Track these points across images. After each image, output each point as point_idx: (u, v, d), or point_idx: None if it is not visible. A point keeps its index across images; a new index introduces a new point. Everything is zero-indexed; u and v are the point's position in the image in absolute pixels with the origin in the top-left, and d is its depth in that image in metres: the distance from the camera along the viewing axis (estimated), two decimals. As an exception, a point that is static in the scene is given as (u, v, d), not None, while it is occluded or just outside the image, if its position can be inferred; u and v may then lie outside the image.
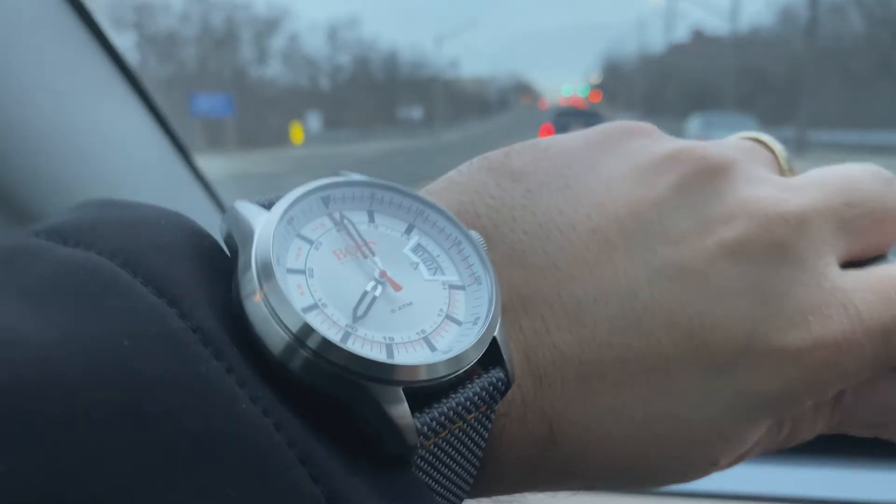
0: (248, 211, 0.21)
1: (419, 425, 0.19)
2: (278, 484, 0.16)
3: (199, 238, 0.20)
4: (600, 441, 0.23)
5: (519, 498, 0.26)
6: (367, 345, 0.19)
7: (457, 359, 0.20)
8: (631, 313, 0.23)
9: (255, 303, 0.18)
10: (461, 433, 0.21)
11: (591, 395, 0.23)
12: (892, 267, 0.26)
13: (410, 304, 0.21)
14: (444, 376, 0.19)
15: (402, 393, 0.19)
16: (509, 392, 0.22)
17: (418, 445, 0.19)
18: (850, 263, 0.26)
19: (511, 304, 0.23)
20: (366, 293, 0.20)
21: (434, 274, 0.22)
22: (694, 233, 0.24)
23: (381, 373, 0.18)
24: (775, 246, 0.24)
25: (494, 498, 0.25)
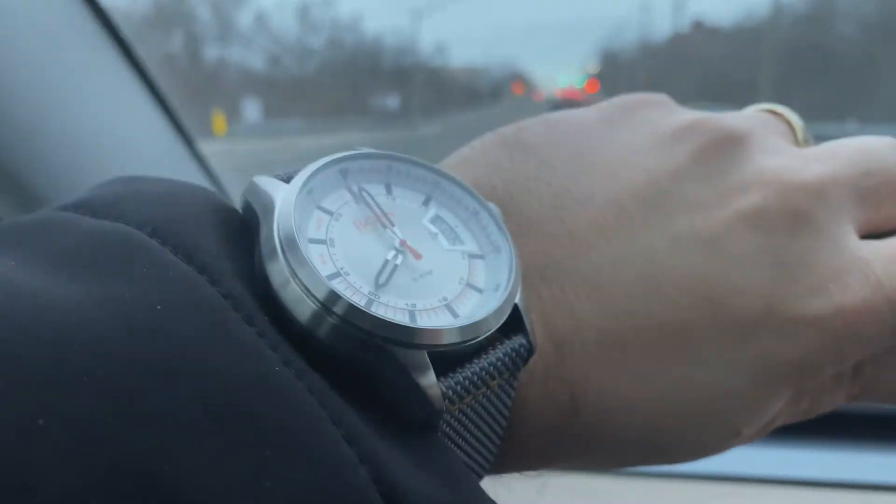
0: (268, 184, 0.21)
1: (444, 389, 0.19)
2: (314, 445, 0.16)
3: (224, 211, 0.20)
4: (621, 409, 0.23)
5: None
6: (390, 310, 0.19)
7: (479, 324, 0.20)
8: (650, 280, 0.23)
9: (281, 272, 0.18)
10: (485, 400, 0.21)
11: (612, 362, 0.23)
12: None
13: (431, 272, 0.21)
14: (467, 341, 0.20)
15: (427, 358, 0.19)
16: (531, 360, 0.22)
17: (444, 410, 0.19)
18: (869, 236, 0.26)
19: (529, 274, 0.23)
20: (387, 262, 0.20)
21: (453, 244, 0.22)
22: (712, 201, 0.24)
23: (405, 336, 0.18)
24: (793, 214, 0.24)
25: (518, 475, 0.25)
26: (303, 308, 0.18)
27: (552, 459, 0.25)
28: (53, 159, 0.51)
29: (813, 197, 0.24)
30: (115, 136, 0.60)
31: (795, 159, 0.25)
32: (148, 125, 0.65)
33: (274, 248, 0.19)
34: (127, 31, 0.60)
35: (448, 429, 0.20)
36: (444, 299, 0.21)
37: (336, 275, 0.19)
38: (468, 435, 0.21)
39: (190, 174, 0.69)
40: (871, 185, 0.26)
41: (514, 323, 0.21)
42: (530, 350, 0.21)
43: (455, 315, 0.20)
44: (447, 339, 0.19)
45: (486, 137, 0.27)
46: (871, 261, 0.24)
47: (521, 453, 0.24)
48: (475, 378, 0.20)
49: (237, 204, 0.21)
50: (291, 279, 0.18)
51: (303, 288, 0.18)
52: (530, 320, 0.22)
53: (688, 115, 0.26)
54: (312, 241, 0.20)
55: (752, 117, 0.28)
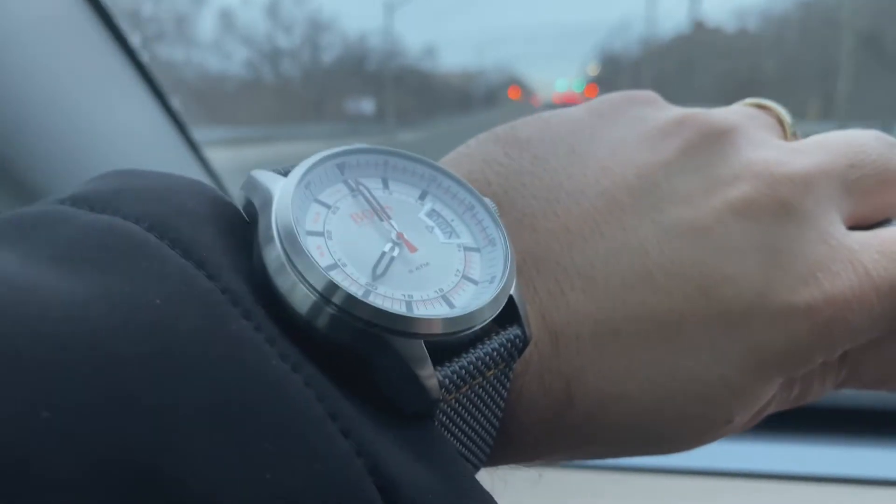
0: (266, 178, 0.21)
1: (440, 377, 0.19)
2: (312, 438, 0.16)
3: (222, 205, 0.21)
4: (616, 399, 0.23)
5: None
6: (387, 301, 0.19)
7: (474, 314, 0.20)
8: (642, 270, 0.23)
9: (279, 263, 0.19)
10: (481, 390, 0.21)
11: (607, 352, 0.23)
12: None
13: (427, 264, 0.21)
14: (463, 330, 0.20)
15: (424, 347, 0.19)
16: (526, 352, 0.22)
17: (440, 399, 0.19)
18: (857, 228, 0.26)
19: (524, 267, 0.24)
20: (384, 253, 0.21)
21: (449, 237, 0.23)
22: (701, 192, 0.24)
23: (401, 325, 0.19)
24: (781, 205, 0.24)
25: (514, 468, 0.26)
26: (301, 299, 0.18)
27: (548, 451, 0.25)
28: (51, 151, 0.51)
29: (800, 187, 0.25)
30: (114, 130, 0.60)
31: (783, 151, 0.26)
32: (147, 119, 0.65)
33: (272, 241, 0.19)
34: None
35: (445, 419, 0.20)
36: (441, 290, 0.21)
37: (334, 266, 0.20)
38: (465, 425, 0.21)
39: (188, 168, 0.69)
40: (857, 176, 0.26)
41: (509, 314, 0.21)
42: (525, 340, 0.22)
43: (451, 305, 0.21)
44: (443, 329, 0.19)
45: (480, 136, 0.27)
46: (858, 251, 0.24)
47: (517, 445, 0.24)
48: (471, 367, 0.20)
49: (235, 200, 0.22)
50: (290, 270, 0.18)
51: (301, 279, 0.18)
52: (526, 311, 0.22)
53: (677, 111, 0.27)
54: (310, 233, 0.20)
55: (739, 112, 0.28)
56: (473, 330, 0.20)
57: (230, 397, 0.16)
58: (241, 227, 0.21)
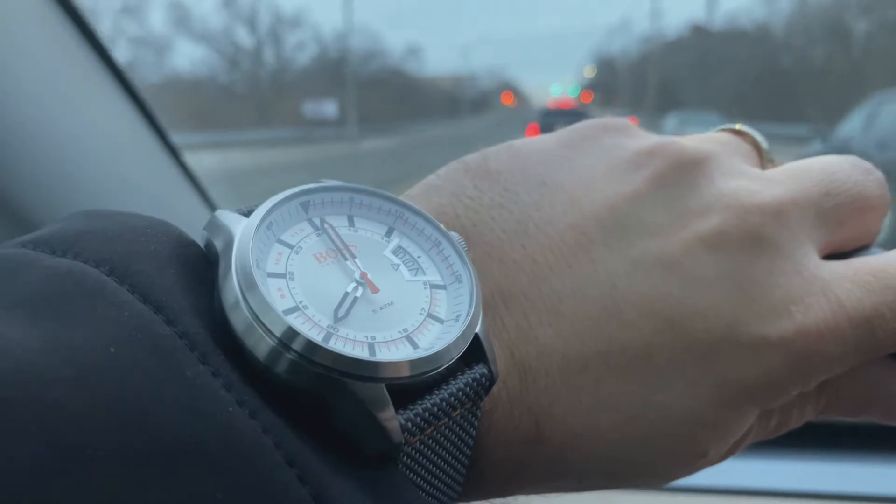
0: (228, 218, 0.21)
1: (403, 421, 0.19)
2: (266, 486, 0.16)
3: (185, 247, 0.20)
4: (587, 435, 0.23)
5: (511, 501, 0.26)
6: (349, 344, 0.19)
7: (439, 355, 0.20)
8: (611, 304, 0.23)
9: (238, 309, 0.18)
10: (447, 430, 0.21)
11: (576, 388, 0.23)
12: (871, 258, 0.26)
13: (392, 303, 0.21)
14: (427, 372, 0.20)
15: (385, 391, 0.19)
16: (495, 389, 0.22)
17: (403, 443, 0.19)
18: (833, 256, 0.26)
19: (492, 301, 0.23)
20: (347, 294, 0.21)
21: (415, 274, 0.22)
22: (671, 225, 0.24)
23: (364, 370, 0.18)
24: (752, 236, 0.24)
25: (490, 502, 0.25)
26: (260, 344, 0.18)
27: (519, 486, 0.25)
28: (26, 163, 0.51)
29: (772, 218, 0.24)
30: (91, 138, 0.59)
31: (755, 181, 0.26)
32: (130, 134, 0.65)
33: (231, 285, 0.19)
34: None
35: (410, 461, 0.20)
36: (405, 331, 0.21)
37: (294, 309, 0.19)
38: (431, 466, 0.21)
39: (174, 185, 0.69)
40: (831, 205, 0.26)
41: (475, 352, 0.21)
42: (492, 379, 0.21)
43: (415, 346, 0.20)
44: (407, 372, 0.19)
45: (450, 165, 0.27)
46: (831, 281, 0.24)
47: (487, 481, 0.24)
48: (436, 409, 0.20)
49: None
50: (249, 315, 0.18)
51: (259, 324, 0.18)
52: (492, 349, 0.22)
53: (649, 140, 0.27)
54: (271, 275, 0.20)
55: (714, 139, 0.28)
56: (439, 370, 0.20)
57: (182, 446, 0.15)
58: (204, 268, 0.20)
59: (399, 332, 0.21)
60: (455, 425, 0.21)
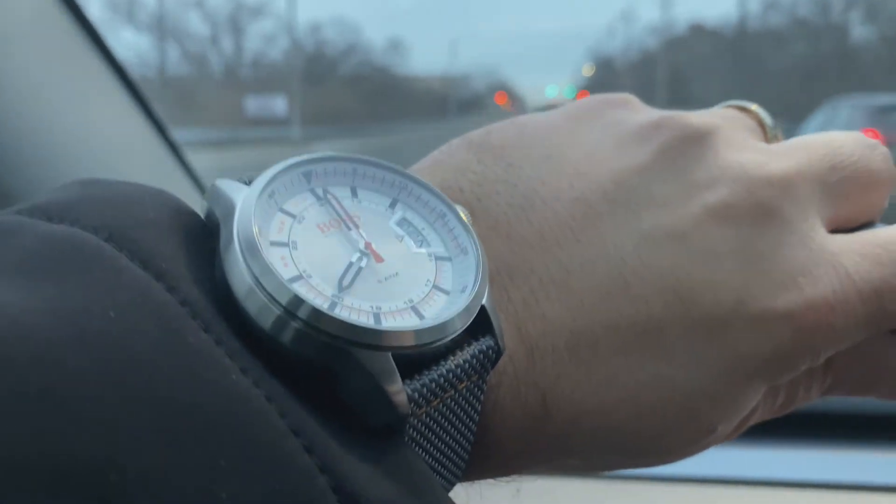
0: (229, 187, 0.20)
1: (409, 392, 0.19)
2: (271, 455, 0.16)
3: (184, 215, 0.20)
4: (594, 411, 0.23)
5: (517, 481, 0.25)
6: (354, 312, 0.19)
7: (445, 325, 0.20)
8: (619, 278, 0.23)
9: (241, 277, 0.18)
10: (453, 403, 0.20)
11: (583, 363, 0.23)
12: (879, 230, 0.26)
13: (397, 274, 0.21)
14: (433, 342, 0.19)
15: (391, 360, 0.18)
16: (501, 364, 0.22)
17: (410, 414, 0.19)
18: (838, 231, 0.26)
19: (499, 276, 0.23)
20: (351, 264, 0.20)
21: (420, 246, 0.22)
22: (678, 197, 0.24)
23: (369, 338, 0.18)
24: (760, 208, 0.24)
25: (496, 481, 0.25)
26: (265, 314, 0.18)
27: (526, 465, 0.24)
28: (25, 155, 0.50)
29: (779, 191, 0.24)
30: (91, 132, 0.59)
31: (762, 154, 0.25)
32: (125, 121, 0.64)
33: (234, 253, 0.18)
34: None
35: (416, 433, 0.20)
36: (410, 301, 0.20)
37: (298, 277, 0.19)
38: (437, 440, 0.21)
39: (165, 167, 0.68)
40: (837, 179, 0.26)
41: (482, 324, 0.21)
42: (499, 351, 0.21)
43: (421, 316, 0.20)
44: (413, 341, 0.19)
45: (454, 141, 0.27)
46: (839, 254, 0.24)
47: (493, 458, 0.23)
48: (442, 380, 0.20)
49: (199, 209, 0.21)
50: (252, 284, 0.18)
51: (264, 293, 0.18)
52: (499, 322, 0.21)
53: (654, 114, 0.26)
54: (274, 243, 0.20)
55: (719, 114, 0.28)
56: (444, 342, 0.20)
57: (184, 413, 0.15)
58: (205, 237, 0.20)
59: (405, 302, 0.20)
60: (461, 398, 0.21)
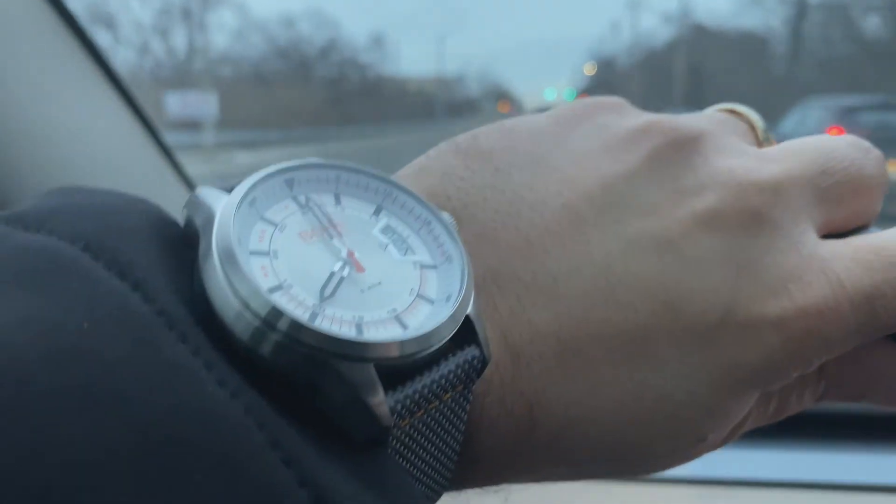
0: (210, 195, 0.20)
1: (392, 403, 0.18)
2: (249, 468, 0.15)
3: (164, 224, 0.20)
4: (582, 420, 0.22)
5: (505, 490, 0.25)
6: (335, 323, 0.19)
7: (429, 335, 0.19)
8: (606, 286, 0.22)
9: (219, 287, 0.18)
10: (438, 414, 0.20)
11: (571, 372, 0.22)
12: (871, 236, 0.25)
13: (380, 283, 0.20)
14: (417, 353, 0.19)
15: (374, 372, 0.18)
16: (487, 372, 0.22)
17: (393, 426, 0.18)
18: (832, 237, 0.25)
19: (485, 283, 0.23)
20: (333, 273, 0.20)
21: (404, 254, 0.22)
22: (666, 204, 0.24)
23: (352, 350, 0.18)
24: (750, 214, 0.24)
25: (483, 490, 0.25)
26: (244, 325, 0.17)
27: (513, 474, 0.24)
28: (13, 160, 0.50)
29: (769, 196, 0.24)
30: (80, 136, 0.58)
31: (751, 159, 0.25)
32: (110, 118, 0.64)
33: (213, 263, 0.18)
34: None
35: (400, 445, 0.20)
36: (394, 311, 0.20)
37: (278, 287, 0.19)
38: (422, 451, 0.20)
39: (154, 167, 0.68)
40: (829, 183, 0.25)
41: (467, 334, 0.21)
42: (484, 361, 0.21)
43: (404, 327, 0.20)
44: (396, 353, 0.18)
45: (440, 146, 0.26)
46: (830, 260, 0.24)
47: (479, 467, 0.23)
48: (426, 391, 0.19)
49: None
50: (231, 295, 0.17)
51: (243, 304, 0.17)
52: (485, 331, 0.21)
53: (643, 118, 0.26)
54: (254, 253, 0.19)
55: (709, 117, 0.28)
56: (429, 352, 0.19)
57: (159, 427, 0.15)
58: (186, 247, 0.20)
59: (388, 312, 0.20)
60: (446, 409, 0.20)
